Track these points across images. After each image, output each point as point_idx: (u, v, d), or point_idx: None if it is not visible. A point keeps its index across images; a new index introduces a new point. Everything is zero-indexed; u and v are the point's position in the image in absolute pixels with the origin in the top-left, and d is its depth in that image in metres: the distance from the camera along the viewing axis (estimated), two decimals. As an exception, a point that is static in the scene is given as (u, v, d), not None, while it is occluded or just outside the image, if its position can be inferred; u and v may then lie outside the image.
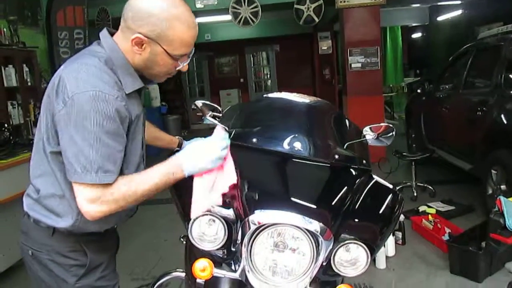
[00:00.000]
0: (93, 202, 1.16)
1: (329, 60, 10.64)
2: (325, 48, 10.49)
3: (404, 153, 4.83)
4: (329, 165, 1.52)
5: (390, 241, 3.27)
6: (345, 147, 1.62)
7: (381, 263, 3.12)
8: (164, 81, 1.38)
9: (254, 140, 1.51)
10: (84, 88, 1.13)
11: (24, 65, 5.00)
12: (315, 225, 1.25)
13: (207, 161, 1.29)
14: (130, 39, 1.20)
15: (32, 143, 3.62)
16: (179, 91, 10.80)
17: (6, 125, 3.34)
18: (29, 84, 5.08)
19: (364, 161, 1.56)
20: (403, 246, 3.44)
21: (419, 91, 5.76)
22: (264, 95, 1.84)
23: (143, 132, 1.40)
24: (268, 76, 12.65)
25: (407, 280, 2.96)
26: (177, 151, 1.76)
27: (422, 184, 4.69)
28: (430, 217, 3.66)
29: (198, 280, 1.36)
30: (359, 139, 1.69)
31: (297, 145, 1.51)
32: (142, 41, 1.20)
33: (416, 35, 12.33)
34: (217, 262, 1.37)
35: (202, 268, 1.31)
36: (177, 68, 1.30)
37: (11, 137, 3.23)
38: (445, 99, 4.94)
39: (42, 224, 1.29)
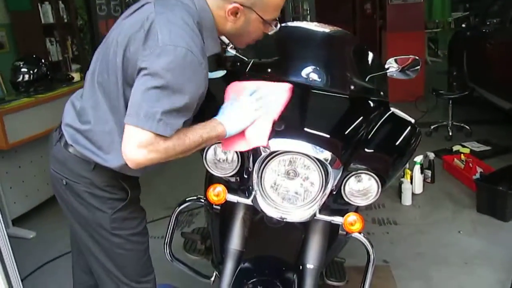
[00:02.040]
0: (144, 148, 1.11)
1: (371, -7, 10.07)
2: (367, -20, 9.89)
3: (441, 91, 4.66)
4: (346, 96, 1.51)
5: (418, 179, 3.25)
6: (366, 80, 1.59)
7: (407, 200, 3.14)
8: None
9: (270, 70, 1.50)
10: (176, 42, 1.10)
11: (60, 2, 5.06)
12: (326, 154, 1.26)
13: (245, 122, 1.28)
14: (226, 9, 1.20)
15: (68, 78, 3.74)
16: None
17: (43, 60, 3.44)
18: (66, 21, 5.17)
19: (381, 93, 1.53)
20: (431, 184, 3.42)
21: (463, 25, 5.43)
22: (283, 24, 1.80)
23: None
24: (307, 11, 12.18)
25: (432, 216, 2.98)
26: None
27: (458, 124, 4.55)
28: (462, 156, 3.59)
29: (214, 206, 1.44)
30: (380, 71, 1.64)
31: (314, 76, 1.49)
32: (237, 10, 1.20)
33: (469, -36, 11.36)
34: (232, 188, 1.43)
35: (216, 193, 1.37)
36: (271, 32, 1.30)
37: (48, 72, 3.34)
38: (491, 34, 4.65)
39: (86, 158, 1.30)
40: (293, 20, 12.10)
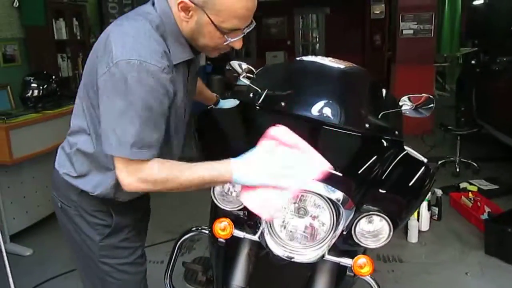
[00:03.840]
0: (131, 176, 1.10)
1: (381, 26, 10.20)
2: (378, 12, 10.06)
3: (450, 127, 4.62)
4: (359, 134, 1.48)
5: (425, 215, 3.19)
6: (379, 116, 1.57)
7: (413, 237, 3.07)
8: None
9: (283, 104, 1.48)
10: (129, 55, 1.04)
11: (74, 19, 5.13)
12: (338, 194, 1.23)
13: (260, 181, 1.13)
14: (177, 2, 1.09)
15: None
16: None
17: (53, 77, 3.44)
18: (79, 38, 5.23)
19: (396, 132, 1.50)
20: (438, 222, 3.35)
21: (473, 62, 5.43)
22: (298, 58, 1.79)
23: (190, 100, 1.32)
24: (317, 39, 12.31)
25: (438, 255, 2.90)
26: (212, 107, 1.76)
27: (466, 160, 4.49)
28: (470, 194, 3.53)
29: (219, 239, 1.39)
30: (394, 109, 1.62)
31: (328, 111, 1.47)
32: (188, 7, 1.08)
33: (478, 1, 11.49)
34: (239, 223, 1.38)
35: (223, 228, 1.34)
36: (226, 43, 1.15)
37: (57, 89, 3.34)
38: (501, 72, 4.64)
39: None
40: (302, 47, 12.26)
